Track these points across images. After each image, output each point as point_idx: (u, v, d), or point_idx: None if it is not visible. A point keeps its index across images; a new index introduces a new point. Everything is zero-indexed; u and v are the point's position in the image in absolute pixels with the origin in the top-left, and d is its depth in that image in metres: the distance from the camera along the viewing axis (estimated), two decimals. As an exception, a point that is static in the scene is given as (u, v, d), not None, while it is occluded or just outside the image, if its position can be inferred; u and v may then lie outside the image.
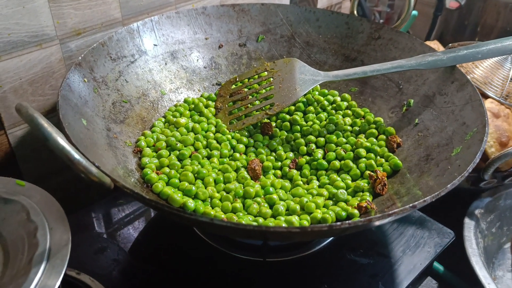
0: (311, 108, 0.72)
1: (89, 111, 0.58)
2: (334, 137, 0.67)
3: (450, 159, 0.55)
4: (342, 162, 0.63)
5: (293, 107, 0.72)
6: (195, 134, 0.66)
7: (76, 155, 0.41)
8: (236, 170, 0.62)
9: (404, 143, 0.65)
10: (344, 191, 0.58)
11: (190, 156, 0.62)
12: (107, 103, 0.62)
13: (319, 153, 0.65)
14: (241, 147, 0.65)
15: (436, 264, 0.67)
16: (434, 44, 0.89)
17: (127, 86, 0.67)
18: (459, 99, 0.62)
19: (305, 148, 0.66)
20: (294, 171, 0.63)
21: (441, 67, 0.66)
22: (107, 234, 0.65)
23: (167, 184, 0.58)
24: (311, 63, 0.78)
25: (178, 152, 0.62)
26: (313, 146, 0.66)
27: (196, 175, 0.59)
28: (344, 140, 0.67)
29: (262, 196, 0.58)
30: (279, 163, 0.65)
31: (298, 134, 0.68)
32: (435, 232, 0.66)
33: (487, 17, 0.99)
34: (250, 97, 0.72)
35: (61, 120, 0.49)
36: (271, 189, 0.58)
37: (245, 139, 0.66)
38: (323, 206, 0.57)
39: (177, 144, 0.63)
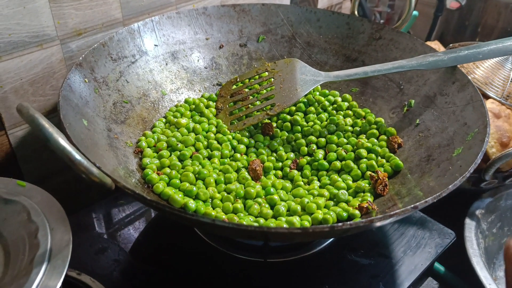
0: (312, 108, 0.72)
1: (90, 112, 0.58)
2: (335, 138, 0.67)
3: (451, 159, 0.55)
4: (343, 162, 0.63)
5: (293, 108, 0.72)
6: (196, 134, 0.66)
7: (77, 156, 0.41)
8: (237, 171, 0.62)
9: (405, 144, 0.65)
10: (345, 192, 0.58)
11: (191, 157, 0.62)
12: (108, 103, 0.62)
13: (320, 153, 0.65)
14: (242, 147, 0.65)
15: (437, 264, 0.67)
16: (435, 45, 0.89)
17: (127, 87, 0.67)
18: (460, 100, 0.62)
19: (306, 148, 0.66)
20: (295, 172, 0.63)
21: (442, 68, 0.66)
22: (108, 234, 0.65)
23: (168, 184, 0.57)
24: (312, 63, 0.78)
25: (179, 153, 0.62)
26: (314, 146, 0.66)
27: (197, 175, 0.59)
28: (345, 140, 0.67)
29: (263, 196, 0.58)
30: (280, 164, 0.65)
31: (299, 135, 0.68)
32: (436, 233, 0.66)
33: (488, 18, 0.99)
34: (251, 97, 0.72)
35: (62, 121, 0.49)
36: (272, 189, 0.58)
37: (246, 140, 0.66)
38: (324, 207, 0.57)
39: (178, 144, 0.63)
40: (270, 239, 0.54)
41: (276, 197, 0.57)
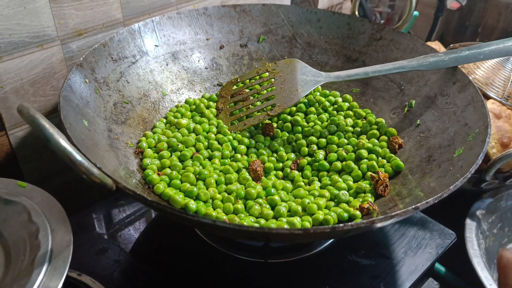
0: (313, 109, 0.72)
1: (91, 112, 0.58)
2: (335, 138, 0.67)
3: (452, 160, 0.55)
4: (344, 163, 0.63)
5: (294, 108, 0.72)
6: (196, 135, 0.66)
7: (78, 157, 0.41)
8: (238, 171, 0.62)
9: (405, 144, 0.65)
10: (346, 192, 0.58)
11: (191, 157, 0.62)
12: (108, 104, 0.62)
13: (321, 154, 0.65)
14: (243, 148, 0.65)
15: (437, 265, 0.67)
16: (435, 45, 0.89)
17: (128, 87, 0.67)
18: (461, 100, 0.62)
19: (306, 149, 0.66)
20: (296, 172, 0.63)
21: (443, 68, 0.66)
22: (108, 235, 0.64)
23: (169, 185, 0.57)
24: (312, 63, 0.78)
25: (179, 153, 0.62)
26: (315, 147, 0.66)
27: (197, 176, 0.59)
28: (345, 141, 0.67)
29: (264, 197, 0.58)
30: (281, 164, 0.65)
31: (300, 135, 0.68)
32: (437, 233, 0.66)
33: (488, 18, 0.99)
34: (252, 98, 0.72)
35: (62, 121, 0.49)
36: (272, 190, 0.58)
37: (246, 140, 0.66)
38: (325, 207, 0.57)
39: (178, 145, 0.63)
40: (271, 240, 0.54)
41: (276, 197, 0.57)
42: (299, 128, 0.69)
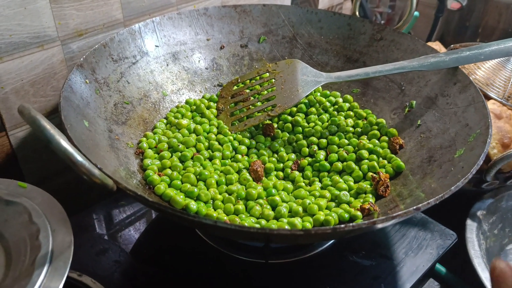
0: (313, 109, 0.72)
1: (91, 113, 0.58)
2: (336, 139, 0.67)
3: (453, 161, 0.55)
4: (345, 163, 0.63)
5: (295, 108, 0.72)
6: (197, 135, 0.66)
7: (79, 157, 0.41)
8: (238, 172, 0.62)
9: (406, 145, 0.65)
10: (347, 193, 0.58)
11: (192, 158, 0.62)
12: (109, 104, 0.62)
13: (321, 154, 0.65)
14: (243, 148, 0.65)
15: (438, 265, 0.67)
16: (436, 45, 0.89)
17: (128, 87, 0.67)
18: (462, 101, 0.62)
19: (307, 149, 0.66)
20: (296, 173, 0.63)
21: (444, 69, 0.65)
22: (108, 235, 0.64)
23: (169, 185, 0.57)
24: (313, 64, 0.78)
25: (180, 154, 0.62)
26: (315, 147, 0.66)
27: (198, 176, 0.59)
28: (346, 141, 0.66)
29: (265, 197, 0.58)
30: (281, 165, 0.65)
31: (300, 136, 0.68)
32: (438, 234, 0.66)
33: (489, 18, 0.99)
34: (252, 98, 0.72)
35: (63, 122, 0.49)
36: (273, 190, 0.58)
37: (247, 141, 0.66)
38: (326, 208, 0.57)
39: (179, 145, 0.63)
40: (273, 241, 0.54)
41: (277, 198, 0.57)
42: (300, 128, 0.69)
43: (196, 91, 0.75)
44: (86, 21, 0.65)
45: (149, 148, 0.63)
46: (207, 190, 0.57)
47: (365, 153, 0.64)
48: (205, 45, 0.77)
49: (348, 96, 0.74)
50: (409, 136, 0.66)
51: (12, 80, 0.60)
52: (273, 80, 0.72)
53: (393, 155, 0.64)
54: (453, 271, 0.67)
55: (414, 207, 0.44)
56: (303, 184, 0.61)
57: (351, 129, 0.69)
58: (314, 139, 0.67)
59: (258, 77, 0.74)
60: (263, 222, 0.53)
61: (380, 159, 0.64)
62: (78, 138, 0.48)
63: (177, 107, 0.71)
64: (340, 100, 0.74)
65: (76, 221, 0.65)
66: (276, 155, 0.66)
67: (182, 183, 0.58)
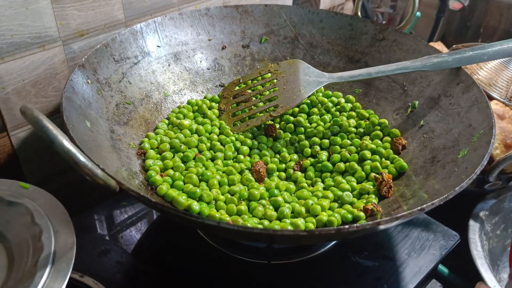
0: (315, 109, 0.72)
1: (93, 113, 0.57)
2: (338, 139, 0.67)
3: (456, 161, 0.55)
4: (347, 164, 0.63)
5: (297, 109, 0.72)
6: (199, 136, 0.66)
7: (82, 158, 0.40)
8: (241, 172, 0.62)
9: (409, 145, 0.65)
10: (350, 193, 0.58)
11: (194, 158, 0.62)
12: (111, 104, 0.62)
13: (324, 155, 0.64)
14: (245, 149, 0.65)
15: (441, 266, 0.67)
16: (438, 46, 0.89)
17: (130, 88, 0.66)
18: (465, 101, 0.62)
19: (309, 150, 0.66)
20: (299, 173, 0.63)
21: (446, 69, 0.65)
22: (110, 236, 0.64)
23: (172, 186, 0.57)
24: (314, 64, 0.78)
25: (182, 154, 0.62)
26: (318, 148, 0.66)
27: (200, 177, 0.59)
28: (348, 142, 0.66)
29: (267, 198, 0.58)
30: (284, 165, 0.64)
31: (302, 136, 0.68)
32: (440, 235, 0.66)
33: (490, 19, 0.99)
34: (254, 98, 0.72)
35: (65, 122, 0.48)
36: (275, 191, 0.58)
37: (249, 141, 0.66)
38: (329, 209, 0.56)
39: (181, 146, 0.62)
40: (276, 242, 0.54)
41: (280, 198, 0.56)
42: (302, 129, 0.69)
43: (198, 92, 0.75)
44: (88, 21, 0.65)
45: (151, 149, 0.62)
46: (210, 190, 0.57)
47: (367, 153, 0.63)
48: (207, 46, 0.77)
49: (350, 97, 0.74)
50: (412, 137, 0.66)
51: (14, 81, 0.60)
52: (275, 80, 0.72)
53: (395, 156, 0.64)
54: (456, 272, 0.67)
55: (419, 208, 0.43)
56: (306, 184, 0.61)
57: (353, 129, 0.68)
58: (316, 139, 0.67)
59: (260, 78, 0.74)
60: (266, 222, 0.53)
61: (383, 159, 0.64)
62: (80, 138, 0.48)
63: (179, 107, 0.71)
64: (342, 100, 0.74)
65: (78, 222, 0.64)
66: (278, 156, 0.66)
67: (184, 184, 0.58)
